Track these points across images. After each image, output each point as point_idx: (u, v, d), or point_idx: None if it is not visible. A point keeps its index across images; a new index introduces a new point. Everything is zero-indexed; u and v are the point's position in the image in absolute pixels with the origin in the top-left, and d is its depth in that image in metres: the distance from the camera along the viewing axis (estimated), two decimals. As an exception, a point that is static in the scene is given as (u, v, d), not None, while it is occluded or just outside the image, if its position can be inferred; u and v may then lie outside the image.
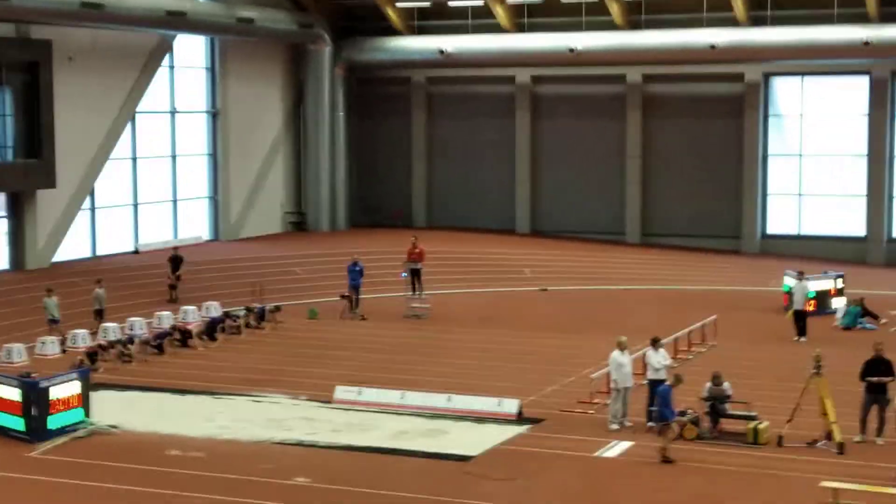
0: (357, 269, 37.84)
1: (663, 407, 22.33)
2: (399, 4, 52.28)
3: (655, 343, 24.99)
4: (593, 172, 52.96)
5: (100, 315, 34.54)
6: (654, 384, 24.61)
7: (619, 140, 52.18)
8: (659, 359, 24.76)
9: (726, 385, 24.41)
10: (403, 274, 38.44)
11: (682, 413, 23.72)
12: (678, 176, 51.76)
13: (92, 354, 30.58)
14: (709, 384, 24.32)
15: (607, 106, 52.48)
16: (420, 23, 53.63)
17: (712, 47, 47.34)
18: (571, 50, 49.38)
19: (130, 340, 31.83)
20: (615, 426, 24.37)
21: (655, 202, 52.06)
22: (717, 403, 24.10)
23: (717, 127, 51.04)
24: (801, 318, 34.26)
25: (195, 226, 49.89)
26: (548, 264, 46.68)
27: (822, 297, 37.79)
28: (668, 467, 21.98)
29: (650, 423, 24.25)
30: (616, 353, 24.66)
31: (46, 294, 33.37)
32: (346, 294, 37.68)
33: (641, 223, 52.04)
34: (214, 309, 37.19)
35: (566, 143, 53.28)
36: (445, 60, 51.95)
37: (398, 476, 21.66)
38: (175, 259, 39.40)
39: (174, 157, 48.88)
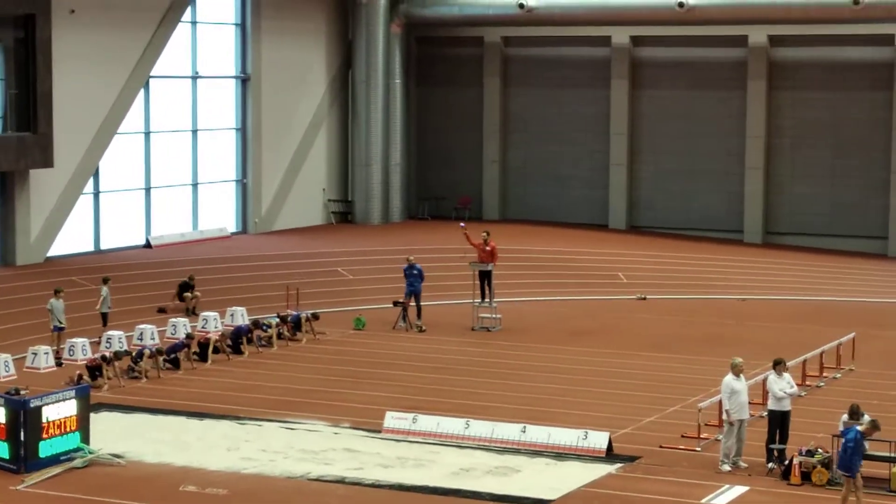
0: (415, 271, 37.92)
1: (853, 457, 21.99)
2: (470, -52, 52.45)
3: (778, 366, 24.82)
4: (705, 156, 52.65)
5: (105, 320, 34.92)
6: (776, 416, 24.48)
7: (738, 116, 51.83)
8: (783, 385, 24.61)
9: (866, 419, 24.15)
10: (462, 223, 38.69)
11: (810, 453, 23.53)
12: (811, 161, 51.32)
13: (93, 368, 30.89)
14: (845, 417, 24.10)
15: (724, 74, 52.16)
16: (495, -29, 53.69)
17: (856, 3, 46.88)
18: (681, 5, 49.13)
19: (140, 353, 32.09)
20: (727, 467, 24.23)
21: (782, 193, 51.65)
22: (853, 441, 23.87)
23: (861, 101, 50.53)
24: (960, 339, 33.86)
25: (219, 216, 50.27)
26: (648, 268, 46.48)
27: None
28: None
29: (769, 465, 24.13)
30: (729, 378, 24.50)
31: (54, 295, 33.75)
32: (402, 301, 37.74)
33: (764, 219, 51.67)
34: (241, 316, 37.42)
35: (672, 120, 53.01)
36: (526, 16, 51.87)
37: (459, 523, 21.72)
38: (184, 287, 38.91)
39: (195, 131, 49.29)
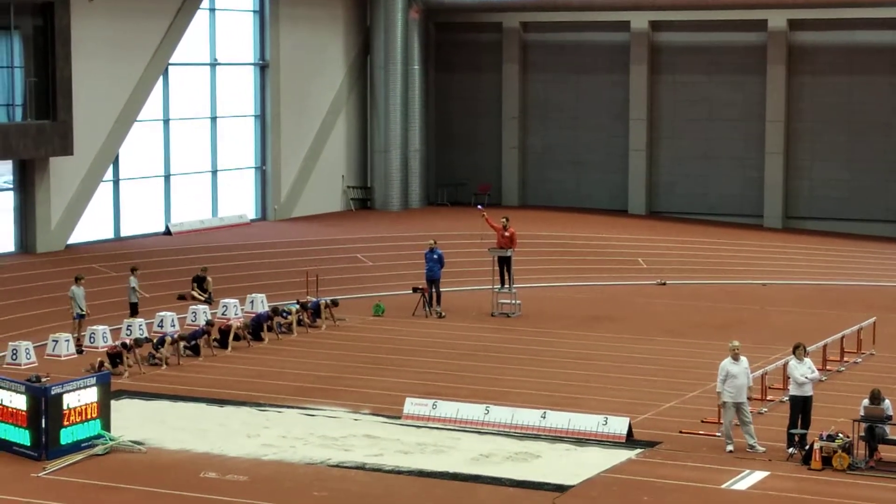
0: (435, 256, 37.88)
1: None
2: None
3: (797, 350, 24.75)
4: (724, 140, 52.54)
5: (135, 310, 35.08)
6: (797, 401, 24.41)
7: (758, 101, 51.69)
8: (804, 370, 24.53)
9: (887, 404, 24.07)
10: (480, 206, 38.56)
11: (831, 437, 23.47)
12: (830, 145, 51.16)
13: (113, 356, 30.95)
14: (865, 402, 24.03)
15: (743, 58, 52.00)
16: (513, -44, 53.65)
17: (875, -14, 46.80)
18: (699, -11, 49.10)
19: (160, 340, 32.15)
20: (730, 447, 24.23)
21: (801, 177, 51.52)
22: (875, 426, 23.80)
23: (880, 85, 50.36)
24: (982, 323, 33.72)
25: (239, 203, 50.31)
26: (667, 253, 46.41)
27: None
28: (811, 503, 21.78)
29: (790, 450, 24.05)
30: (726, 362, 24.40)
31: (74, 283, 33.82)
32: (421, 287, 37.76)
33: (784, 203, 51.54)
34: (261, 303, 37.45)
35: (691, 105, 52.89)
36: (545, 2, 51.79)
37: (479, 508, 21.69)
38: (199, 281, 38.98)
39: (214, 118, 49.32)
